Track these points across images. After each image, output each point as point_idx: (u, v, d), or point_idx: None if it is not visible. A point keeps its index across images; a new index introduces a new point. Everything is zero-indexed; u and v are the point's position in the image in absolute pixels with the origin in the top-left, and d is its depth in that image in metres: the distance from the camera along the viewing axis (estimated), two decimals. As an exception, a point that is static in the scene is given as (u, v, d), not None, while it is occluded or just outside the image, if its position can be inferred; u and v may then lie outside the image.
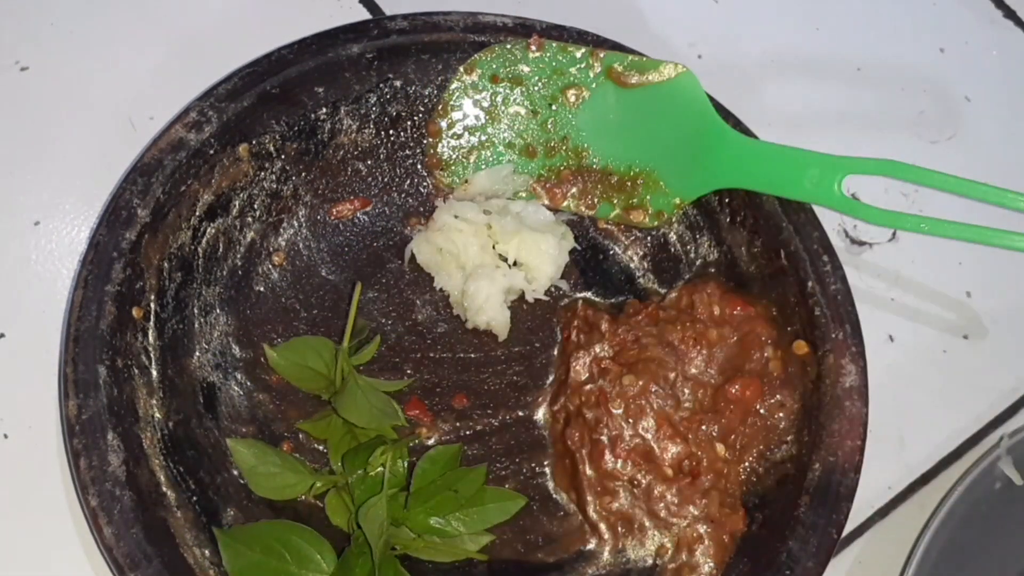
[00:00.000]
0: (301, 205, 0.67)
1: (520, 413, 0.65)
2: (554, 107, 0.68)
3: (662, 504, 0.61)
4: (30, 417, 0.62)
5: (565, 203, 0.69)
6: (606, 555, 0.62)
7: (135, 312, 0.60)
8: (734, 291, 0.65)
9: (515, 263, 0.67)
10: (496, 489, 0.61)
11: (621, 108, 0.67)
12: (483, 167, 0.69)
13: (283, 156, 0.66)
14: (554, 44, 0.67)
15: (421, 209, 0.69)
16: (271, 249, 0.67)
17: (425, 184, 0.69)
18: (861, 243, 0.73)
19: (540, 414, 0.65)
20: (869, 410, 0.61)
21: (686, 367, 0.63)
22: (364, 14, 0.75)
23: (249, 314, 0.65)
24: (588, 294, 0.69)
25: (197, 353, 0.63)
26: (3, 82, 0.70)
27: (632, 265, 0.69)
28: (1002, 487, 0.64)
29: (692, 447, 0.62)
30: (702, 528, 0.61)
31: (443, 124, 0.69)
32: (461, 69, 0.68)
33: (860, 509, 0.66)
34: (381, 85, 0.67)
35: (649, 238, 0.69)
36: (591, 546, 0.62)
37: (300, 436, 0.63)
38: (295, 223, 0.67)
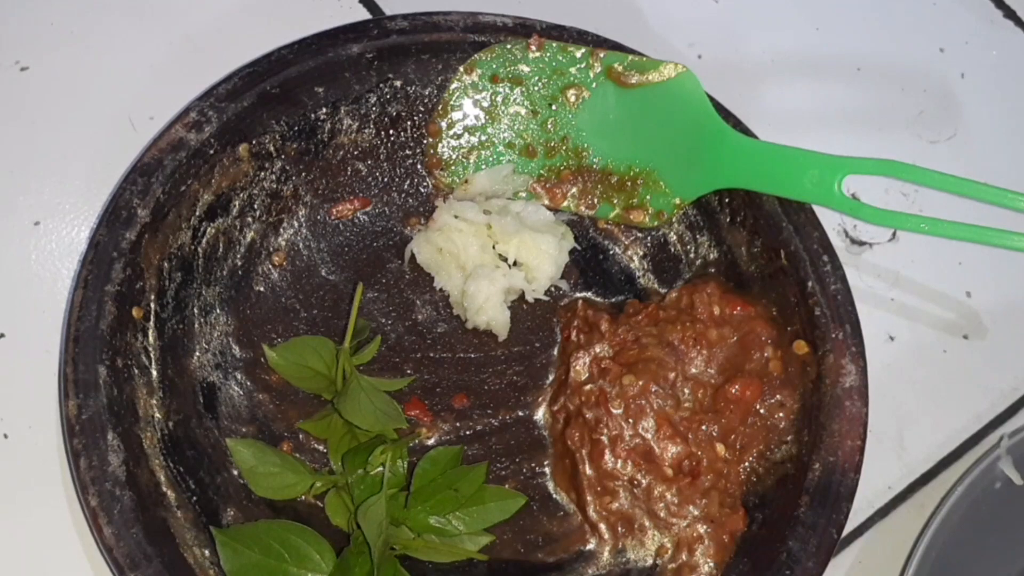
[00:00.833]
0: (301, 205, 0.67)
1: (520, 413, 0.65)
2: (554, 107, 0.68)
3: (662, 504, 0.61)
4: (30, 417, 0.62)
5: (565, 203, 0.69)
6: (606, 555, 0.62)
7: (135, 312, 0.60)
8: (734, 291, 0.65)
9: (515, 263, 0.67)
10: (496, 488, 0.61)
11: (621, 108, 0.67)
12: (483, 167, 0.69)
13: (283, 156, 0.66)
14: (554, 44, 0.67)
15: (421, 209, 0.69)
16: (271, 249, 0.67)
17: (425, 184, 0.69)
18: (861, 243, 0.73)
19: (540, 414, 0.65)
20: (869, 410, 0.61)
21: (686, 367, 0.63)
22: (364, 14, 0.75)
23: (249, 314, 0.65)
24: (588, 294, 0.69)
25: (197, 353, 0.63)
26: (3, 82, 0.70)
27: (632, 265, 0.69)
28: (1002, 487, 0.64)
29: (692, 447, 0.62)
30: (702, 528, 0.61)
31: (443, 124, 0.69)
32: (461, 69, 0.68)
33: (860, 509, 0.66)
34: (381, 85, 0.67)
35: (649, 238, 0.69)
36: (591, 546, 0.62)
37: (300, 436, 0.63)
38: (295, 223, 0.67)
